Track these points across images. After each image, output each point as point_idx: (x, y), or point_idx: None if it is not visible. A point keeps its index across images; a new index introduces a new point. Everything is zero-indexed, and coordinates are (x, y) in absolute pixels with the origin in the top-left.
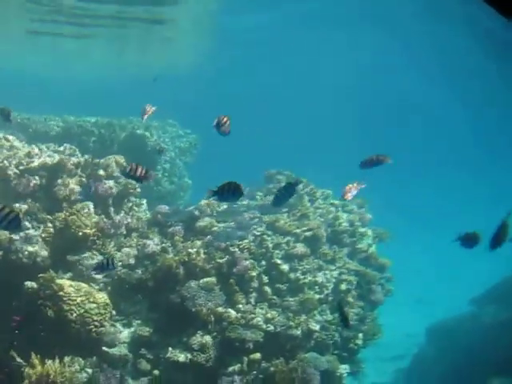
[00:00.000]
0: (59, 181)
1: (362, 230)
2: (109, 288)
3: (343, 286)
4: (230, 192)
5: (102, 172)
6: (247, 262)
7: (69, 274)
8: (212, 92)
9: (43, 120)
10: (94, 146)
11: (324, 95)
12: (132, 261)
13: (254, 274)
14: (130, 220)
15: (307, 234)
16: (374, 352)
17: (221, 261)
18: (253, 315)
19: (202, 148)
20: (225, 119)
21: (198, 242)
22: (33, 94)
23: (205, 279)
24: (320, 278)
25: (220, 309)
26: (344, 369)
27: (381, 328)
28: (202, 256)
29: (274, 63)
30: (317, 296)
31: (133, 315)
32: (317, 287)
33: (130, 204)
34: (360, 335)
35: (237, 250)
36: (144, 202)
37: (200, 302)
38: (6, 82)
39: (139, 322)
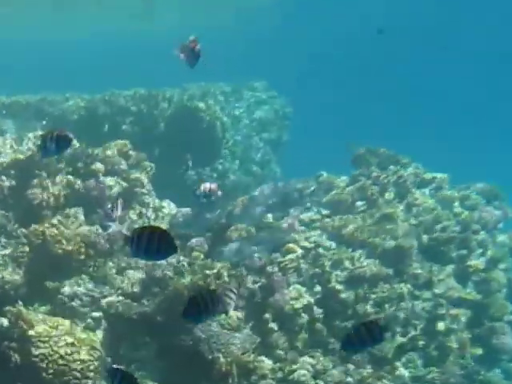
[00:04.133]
0: (35, 181)
1: (482, 236)
2: (103, 325)
3: (442, 325)
4: (150, 245)
5: (98, 166)
6: (291, 288)
7: (46, 307)
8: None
9: (64, 99)
10: (132, 128)
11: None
12: (136, 288)
13: (299, 305)
14: None
15: (387, 245)
16: None
17: (253, 286)
18: (296, 366)
19: (296, 119)
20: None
21: (221, 261)
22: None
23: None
24: (403, 311)
25: (246, 356)
26: None
27: None
28: (226, 279)
29: None
30: (398, 339)
31: (136, 363)
32: (398, 326)
33: (140, 209)
34: None
35: (276, 269)
36: (166, 204)
37: (218, 347)
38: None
39: (144, 373)
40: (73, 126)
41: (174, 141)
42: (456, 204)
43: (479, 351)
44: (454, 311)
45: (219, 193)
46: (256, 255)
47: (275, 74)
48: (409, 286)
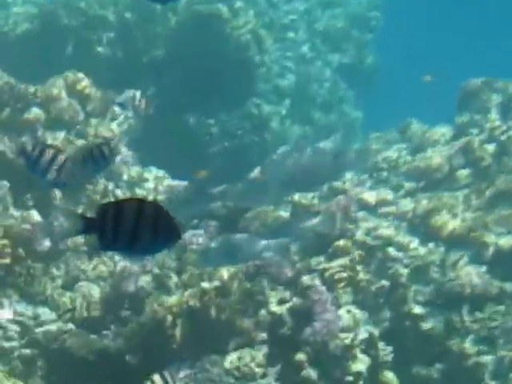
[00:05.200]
0: None
1: None
2: (39, 369)
3: None
4: (137, 228)
5: (36, 113)
6: (340, 313)
7: None
8: None
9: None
10: (112, 52)
11: None
12: (95, 311)
13: (353, 341)
14: None
15: (504, 243)
16: None
17: (278, 309)
18: None
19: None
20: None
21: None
22: None
23: (236, 354)
24: None
25: None
26: None
27: None
28: (237, 297)
29: None
30: None
31: None
32: None
33: (103, 183)
34: None
35: (317, 282)
36: (151, 174)
37: None
38: None
39: None
40: (16, 49)
41: (179, 72)
42: None
43: None
44: None
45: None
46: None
47: None
48: None
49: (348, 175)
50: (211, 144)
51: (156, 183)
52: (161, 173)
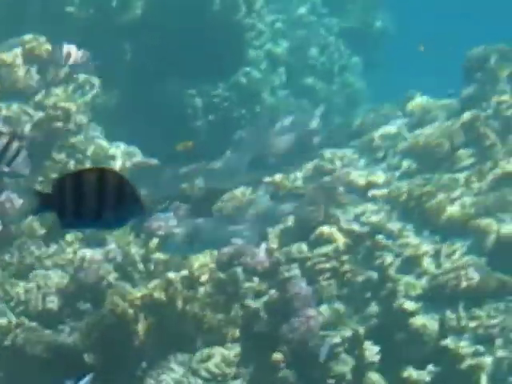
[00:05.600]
0: None
1: None
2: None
3: None
4: (98, 200)
5: None
6: (322, 309)
7: None
8: None
9: None
10: (84, 11)
11: None
12: (52, 303)
13: (337, 339)
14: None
15: (507, 230)
16: None
17: (253, 303)
18: None
19: None
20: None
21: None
22: None
23: (205, 351)
24: None
25: None
26: None
27: None
28: (208, 289)
29: None
30: None
31: None
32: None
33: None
34: None
35: (297, 272)
36: (118, 150)
37: None
38: None
39: None
40: None
41: (157, 36)
42: None
43: None
44: None
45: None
46: (262, 245)
47: None
48: None
49: (338, 153)
50: (194, 118)
51: (124, 160)
52: (131, 149)
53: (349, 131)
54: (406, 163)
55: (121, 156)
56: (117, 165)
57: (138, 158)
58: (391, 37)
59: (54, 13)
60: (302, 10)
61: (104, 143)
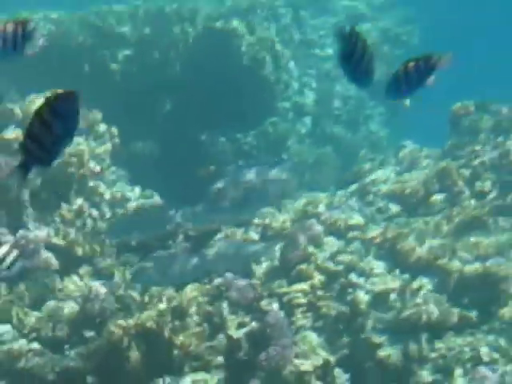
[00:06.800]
0: None
1: None
2: None
3: None
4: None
5: (15, 133)
6: (298, 339)
7: None
8: None
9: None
10: (127, 68)
11: None
12: (62, 331)
13: (308, 367)
14: (74, 237)
15: (469, 269)
16: None
17: (236, 333)
18: None
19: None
20: None
21: (190, 290)
22: None
23: (189, 378)
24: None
25: None
26: None
27: None
28: (192, 320)
29: None
30: None
31: None
32: None
33: (80, 203)
34: None
35: (274, 306)
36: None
37: None
38: None
39: None
40: (31, 65)
41: (194, 90)
42: None
43: None
44: None
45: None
46: (246, 281)
47: None
48: (502, 340)
49: (325, 197)
50: (224, 163)
51: (137, 202)
52: (147, 192)
53: (347, 176)
54: (389, 206)
55: (135, 198)
56: (132, 205)
57: (151, 200)
58: None
59: (104, 69)
60: (330, 65)
61: (121, 186)
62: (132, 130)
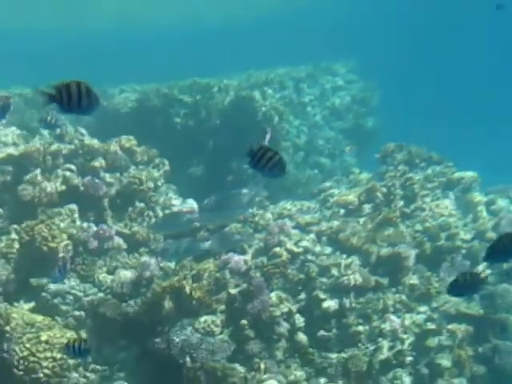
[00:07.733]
0: (26, 177)
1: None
2: (87, 323)
3: (432, 342)
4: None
5: (100, 162)
6: (271, 295)
7: (30, 304)
8: None
9: (118, 92)
10: (186, 121)
11: None
12: (127, 289)
13: (278, 313)
14: (136, 229)
15: (383, 252)
16: None
17: (233, 291)
18: (267, 375)
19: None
20: None
21: (205, 263)
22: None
23: (203, 318)
24: (390, 324)
25: (218, 364)
26: None
27: None
28: (205, 282)
29: None
30: (384, 353)
31: (117, 365)
32: (382, 340)
33: (141, 207)
34: None
35: (258, 274)
36: (178, 201)
37: (191, 351)
38: None
39: (122, 374)
40: (124, 120)
41: (227, 134)
42: (480, 209)
43: (482, 370)
44: (450, 326)
45: None
46: (241, 257)
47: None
48: (403, 297)
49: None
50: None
51: (180, 207)
52: (189, 200)
53: (316, 190)
54: (338, 210)
55: (179, 204)
56: (175, 209)
57: (188, 205)
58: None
59: (171, 121)
60: (317, 118)
61: (169, 196)
62: (189, 160)
